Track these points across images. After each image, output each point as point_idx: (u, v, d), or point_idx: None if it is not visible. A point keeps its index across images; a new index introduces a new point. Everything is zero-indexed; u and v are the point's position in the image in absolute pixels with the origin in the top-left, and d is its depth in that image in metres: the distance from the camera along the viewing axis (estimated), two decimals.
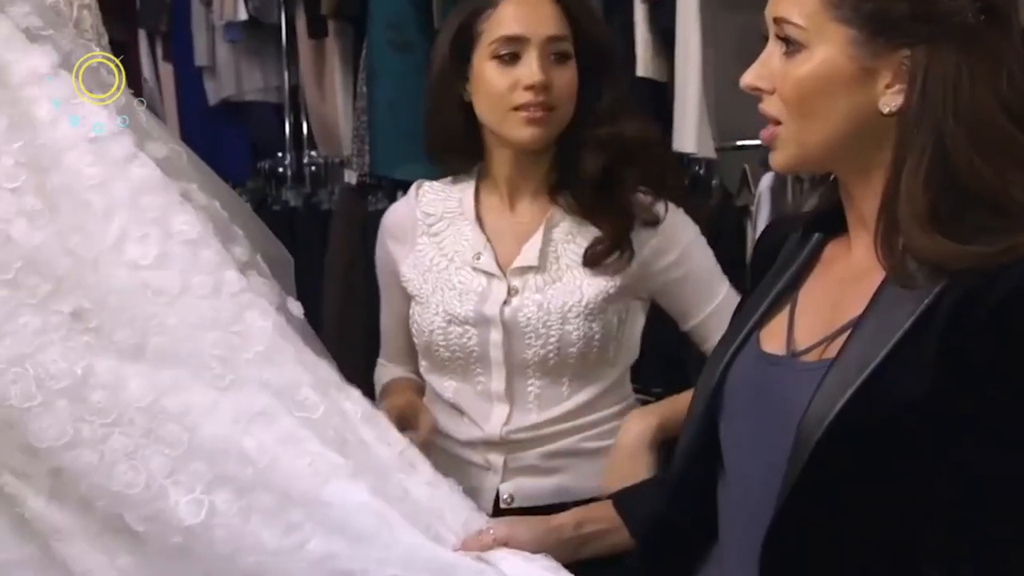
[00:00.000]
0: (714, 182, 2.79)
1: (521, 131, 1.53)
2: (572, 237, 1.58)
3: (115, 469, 1.00)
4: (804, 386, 1.01)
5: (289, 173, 3.55)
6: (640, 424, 1.59)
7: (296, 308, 1.23)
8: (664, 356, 2.72)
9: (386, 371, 1.78)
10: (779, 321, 1.13)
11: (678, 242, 1.61)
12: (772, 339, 1.12)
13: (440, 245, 1.63)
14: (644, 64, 2.69)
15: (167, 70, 3.66)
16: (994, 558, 0.96)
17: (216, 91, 3.54)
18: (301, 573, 1.02)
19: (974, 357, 0.95)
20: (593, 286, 1.55)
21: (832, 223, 1.13)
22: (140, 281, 1.05)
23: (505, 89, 1.52)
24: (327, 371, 1.15)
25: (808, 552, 1.02)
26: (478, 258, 1.58)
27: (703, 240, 1.65)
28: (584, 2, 1.66)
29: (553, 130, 1.55)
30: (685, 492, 1.20)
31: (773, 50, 1.05)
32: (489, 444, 1.58)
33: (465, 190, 1.64)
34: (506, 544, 1.14)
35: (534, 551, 1.15)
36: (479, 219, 1.61)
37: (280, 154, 3.58)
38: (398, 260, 1.66)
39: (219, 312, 1.05)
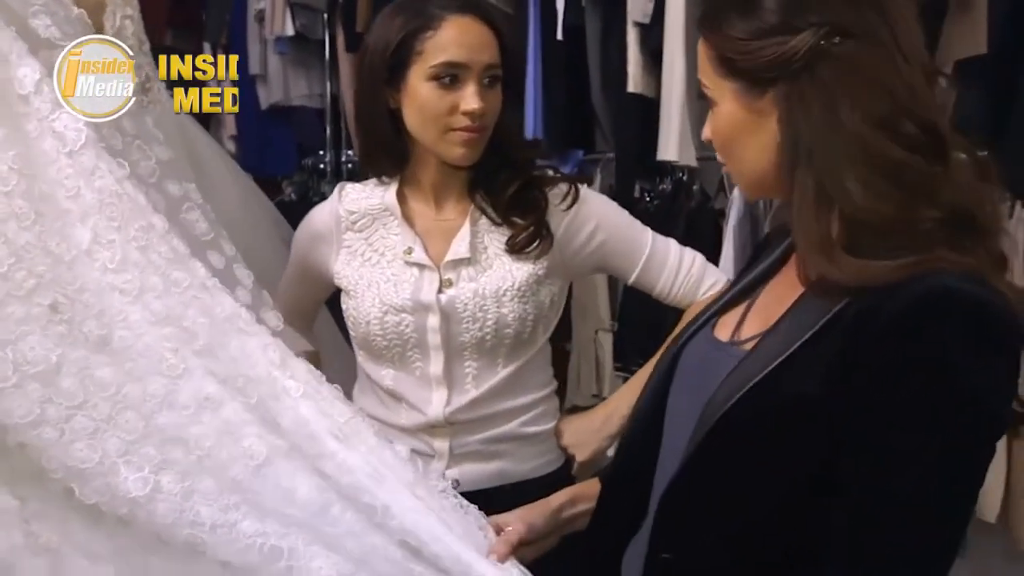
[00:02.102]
0: (695, 187, 2.75)
1: (456, 151, 1.44)
2: (495, 228, 1.49)
3: (73, 446, 0.98)
4: (724, 371, 0.99)
5: (329, 169, 3.60)
6: (611, 406, 1.58)
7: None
8: (644, 335, 2.70)
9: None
10: (736, 312, 1.11)
11: (592, 212, 1.52)
12: (724, 327, 1.10)
13: (368, 240, 1.52)
14: (635, 81, 2.66)
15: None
16: (867, 543, 0.90)
17: (267, 97, 3.58)
18: (235, 547, 1.00)
19: (868, 364, 0.90)
20: (522, 270, 1.47)
21: None
22: (108, 282, 1.02)
23: (444, 111, 1.41)
24: (275, 351, 1.07)
25: (696, 517, 1.00)
26: (410, 252, 1.48)
27: (614, 204, 1.56)
28: (510, 30, 1.56)
29: (482, 148, 1.46)
30: (634, 461, 1.16)
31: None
32: (433, 429, 1.49)
33: (388, 191, 1.52)
34: (527, 535, 1.12)
35: (548, 534, 1.16)
36: (406, 218, 1.51)
37: (321, 152, 3.62)
38: (327, 259, 1.56)
39: (170, 309, 1.02)
